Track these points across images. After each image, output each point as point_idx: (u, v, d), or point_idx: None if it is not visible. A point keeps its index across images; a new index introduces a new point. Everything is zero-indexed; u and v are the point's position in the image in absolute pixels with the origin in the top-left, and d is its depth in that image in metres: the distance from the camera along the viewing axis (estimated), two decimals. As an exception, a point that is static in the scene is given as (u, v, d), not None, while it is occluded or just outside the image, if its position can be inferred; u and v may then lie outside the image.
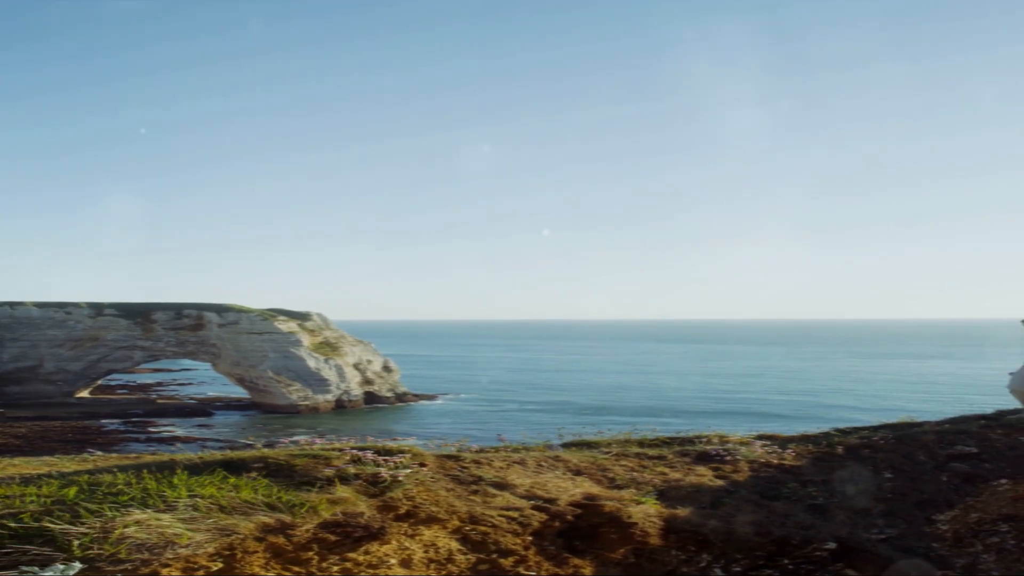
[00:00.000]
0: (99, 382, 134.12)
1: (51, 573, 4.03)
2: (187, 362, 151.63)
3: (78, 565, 4.19)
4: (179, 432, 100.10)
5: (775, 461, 9.95)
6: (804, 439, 11.48)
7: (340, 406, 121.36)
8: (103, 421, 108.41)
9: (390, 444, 8.22)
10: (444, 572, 5.96)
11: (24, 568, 4.36)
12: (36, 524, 5.04)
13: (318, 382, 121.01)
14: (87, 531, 4.96)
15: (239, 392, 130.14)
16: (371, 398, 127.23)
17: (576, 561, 6.72)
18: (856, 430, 12.33)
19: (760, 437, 11.50)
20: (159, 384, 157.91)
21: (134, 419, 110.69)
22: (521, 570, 6.29)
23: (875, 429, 12.41)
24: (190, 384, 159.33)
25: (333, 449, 7.77)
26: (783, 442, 11.23)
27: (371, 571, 5.61)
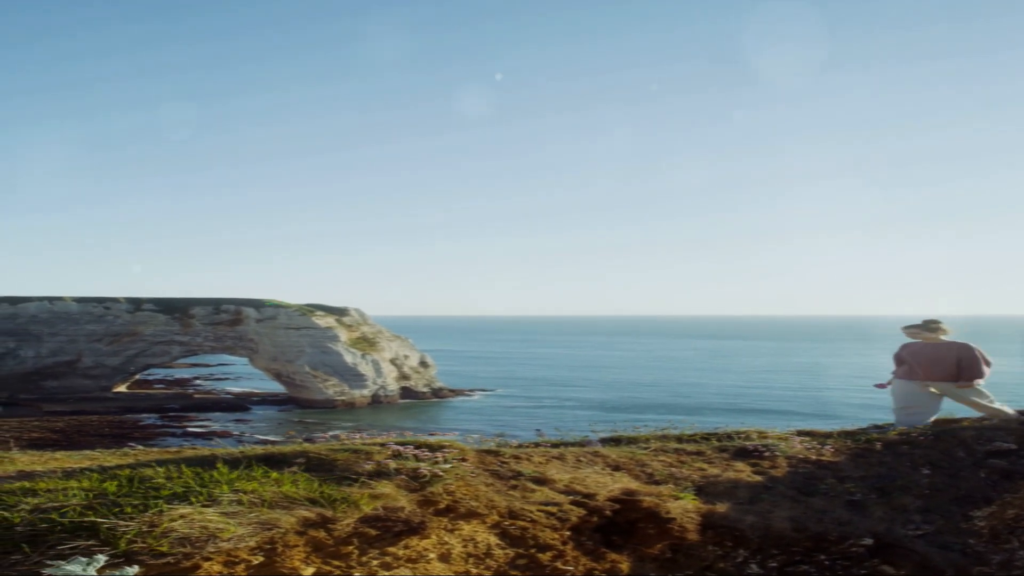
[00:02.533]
0: (136, 376, 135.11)
1: (74, 568, 4.06)
2: (224, 357, 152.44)
3: (102, 558, 4.23)
4: (216, 427, 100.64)
5: (813, 457, 9.91)
6: (843, 435, 11.44)
7: (376, 401, 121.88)
8: (140, 415, 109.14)
9: (430, 439, 8.25)
10: (482, 567, 5.97)
11: (48, 562, 4.41)
12: (80, 518, 5.08)
13: (355, 377, 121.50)
14: (133, 525, 5.00)
15: (275, 387, 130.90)
16: (407, 393, 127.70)
17: (613, 556, 6.73)
18: (894, 426, 12.29)
19: (799, 433, 11.44)
20: (196, 379, 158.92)
21: (171, 413, 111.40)
22: (559, 565, 6.30)
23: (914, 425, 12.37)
24: (227, 379, 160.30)
25: (373, 444, 7.80)
26: (822, 438, 11.19)
27: (410, 565, 5.63)
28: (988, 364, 13.24)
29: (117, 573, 4.01)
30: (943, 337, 13.40)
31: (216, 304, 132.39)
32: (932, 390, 13.33)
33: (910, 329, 13.68)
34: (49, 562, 4.58)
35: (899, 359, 13.87)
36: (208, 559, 4.97)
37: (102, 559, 4.19)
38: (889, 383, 13.93)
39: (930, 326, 13.45)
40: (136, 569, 4.24)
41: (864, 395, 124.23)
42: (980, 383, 13.11)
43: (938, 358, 13.23)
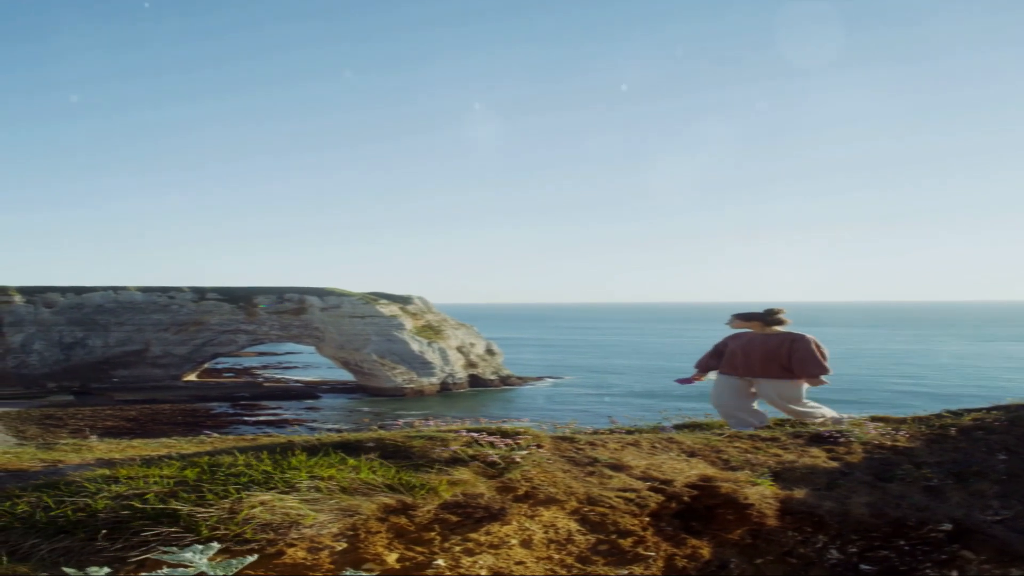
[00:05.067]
0: (205, 365, 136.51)
1: (190, 554, 4.09)
2: (290, 345, 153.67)
3: (216, 545, 4.25)
4: (288, 415, 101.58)
5: (888, 443, 9.81)
6: (917, 421, 11.31)
7: (445, 389, 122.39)
8: (211, 404, 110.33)
9: (504, 426, 8.25)
10: (564, 552, 5.97)
11: (164, 548, 4.44)
12: (162, 505, 5.13)
13: (422, 365, 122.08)
14: (214, 512, 5.04)
15: (343, 375, 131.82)
16: (475, 381, 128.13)
17: (694, 542, 6.71)
18: (968, 411, 12.12)
19: (872, 419, 11.32)
20: (264, 367, 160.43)
21: (241, 402, 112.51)
22: (640, 550, 6.29)
23: (988, 411, 12.17)
24: (295, 367, 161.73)
25: (448, 431, 7.81)
26: (896, 424, 11.06)
27: (493, 551, 5.64)
28: (825, 358, 11.64)
29: (234, 561, 4.04)
30: (778, 329, 11.97)
31: (279, 293, 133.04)
32: (753, 390, 12.00)
33: (739, 319, 12.26)
34: (132, 551, 4.64)
35: (718, 351, 12.49)
36: (292, 545, 5.01)
37: (216, 546, 4.23)
38: (695, 379, 12.64)
39: (768, 316, 11.99)
40: (252, 559, 4.27)
41: (943, 382, 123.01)
42: (824, 381, 11.65)
43: (768, 352, 11.77)
